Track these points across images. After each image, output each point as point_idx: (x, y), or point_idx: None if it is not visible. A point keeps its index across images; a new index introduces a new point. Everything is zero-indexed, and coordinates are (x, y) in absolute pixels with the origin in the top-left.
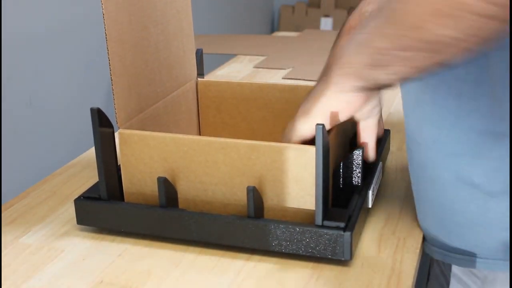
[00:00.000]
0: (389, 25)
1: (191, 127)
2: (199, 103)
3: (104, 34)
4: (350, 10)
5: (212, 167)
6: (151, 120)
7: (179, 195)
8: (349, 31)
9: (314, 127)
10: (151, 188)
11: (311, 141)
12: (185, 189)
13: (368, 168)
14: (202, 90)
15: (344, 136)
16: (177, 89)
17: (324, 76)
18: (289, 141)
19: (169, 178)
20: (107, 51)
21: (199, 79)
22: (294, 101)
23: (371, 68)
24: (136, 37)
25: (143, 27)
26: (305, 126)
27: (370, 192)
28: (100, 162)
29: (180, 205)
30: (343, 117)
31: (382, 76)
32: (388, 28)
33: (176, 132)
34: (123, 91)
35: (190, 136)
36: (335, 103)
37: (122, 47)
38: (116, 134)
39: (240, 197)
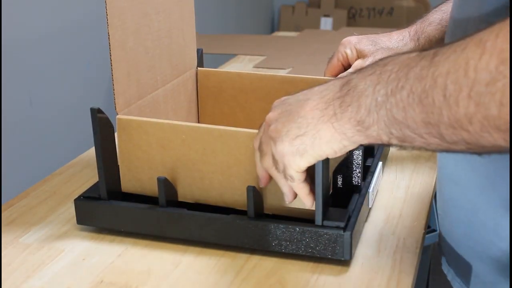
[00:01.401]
0: (426, 111)
1: (190, 116)
2: (198, 92)
3: (106, 28)
4: (350, 10)
5: (209, 155)
6: (150, 107)
7: (177, 183)
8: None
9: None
10: (148, 175)
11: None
12: (182, 177)
13: (368, 168)
14: (202, 80)
15: None
16: (177, 77)
17: (328, 103)
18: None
19: (167, 166)
20: (108, 36)
21: (199, 68)
22: (294, 92)
23: (397, 141)
24: (138, 23)
25: (144, 14)
26: (301, 163)
27: (370, 192)
28: (100, 162)
29: (178, 194)
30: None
31: (403, 145)
32: (423, 112)
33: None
34: (122, 77)
35: (189, 124)
36: (331, 151)
37: (123, 33)
38: (115, 120)
39: (238, 186)
